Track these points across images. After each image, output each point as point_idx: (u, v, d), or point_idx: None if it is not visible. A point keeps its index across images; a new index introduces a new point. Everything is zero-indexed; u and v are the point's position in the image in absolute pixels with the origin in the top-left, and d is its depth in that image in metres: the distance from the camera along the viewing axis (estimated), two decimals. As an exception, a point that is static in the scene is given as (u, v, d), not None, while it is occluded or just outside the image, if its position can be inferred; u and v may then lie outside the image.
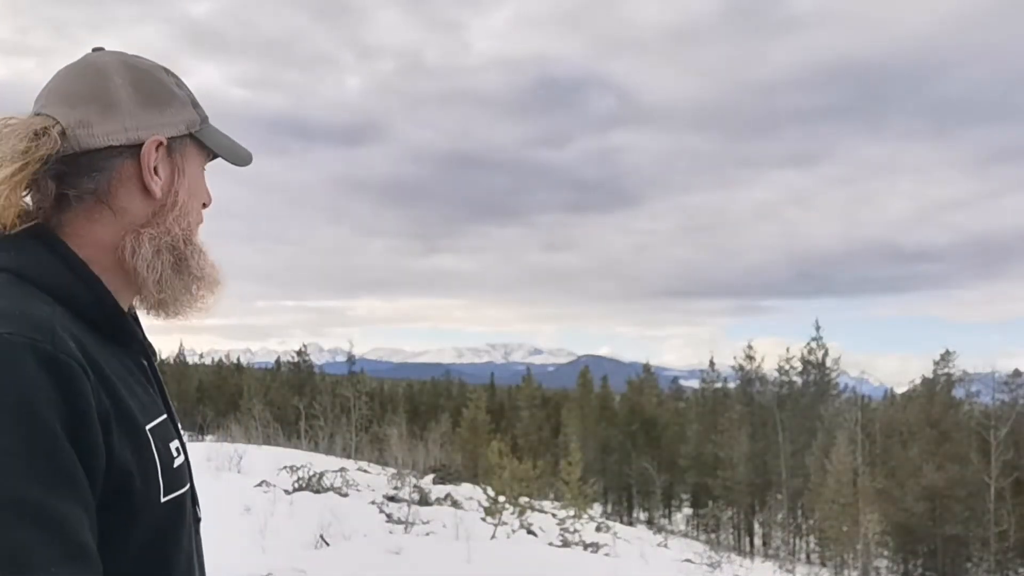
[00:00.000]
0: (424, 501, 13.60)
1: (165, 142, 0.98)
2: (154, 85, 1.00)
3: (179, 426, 1.05)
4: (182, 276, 1.01)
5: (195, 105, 1.04)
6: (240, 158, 1.11)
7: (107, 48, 1.03)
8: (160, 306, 1.03)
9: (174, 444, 0.98)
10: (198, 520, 1.08)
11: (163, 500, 0.93)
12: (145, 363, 1.02)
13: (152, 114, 0.98)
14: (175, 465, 0.96)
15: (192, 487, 1.04)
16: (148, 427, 0.92)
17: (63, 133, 0.93)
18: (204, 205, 1.08)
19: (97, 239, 0.96)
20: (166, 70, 1.04)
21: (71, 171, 0.94)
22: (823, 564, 35.34)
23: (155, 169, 0.98)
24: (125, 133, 0.95)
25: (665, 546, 18.59)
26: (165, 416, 0.99)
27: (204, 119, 1.05)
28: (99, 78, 0.97)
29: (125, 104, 0.96)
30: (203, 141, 1.04)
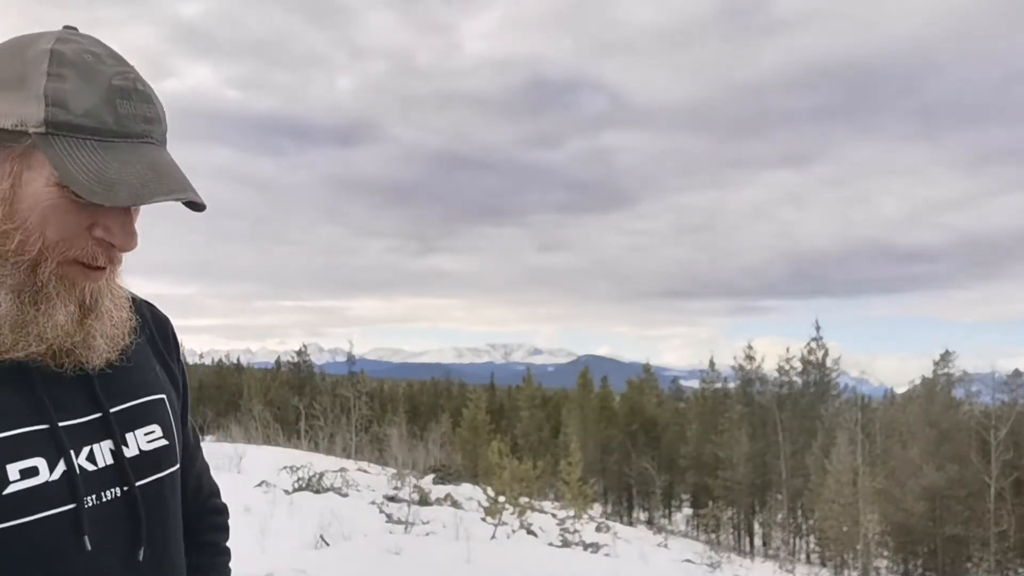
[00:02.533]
0: (424, 501, 13.60)
1: None
2: (9, 68, 0.83)
3: (57, 437, 0.86)
4: (17, 319, 0.85)
5: (52, 99, 0.81)
6: (98, 192, 0.80)
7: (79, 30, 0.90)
8: None
9: (20, 464, 0.83)
10: (86, 551, 0.87)
11: None
12: (22, 369, 0.87)
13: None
14: (7, 491, 0.81)
15: (79, 512, 0.86)
16: None
17: None
18: (107, 243, 0.86)
19: None
20: (72, 61, 0.83)
21: None
22: (823, 564, 35.31)
23: None
24: None
25: (665, 546, 18.57)
26: (25, 430, 0.84)
27: (62, 125, 0.81)
28: None
29: None
30: (50, 159, 0.81)
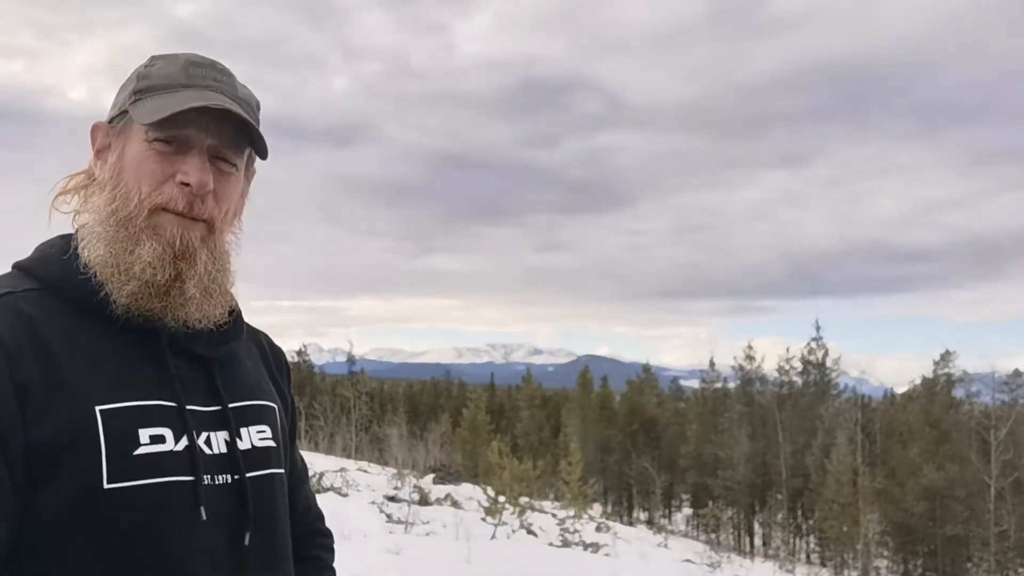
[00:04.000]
0: (424, 501, 13.61)
1: (104, 125, 1.05)
2: (131, 75, 1.05)
3: (183, 416, 0.97)
4: (111, 261, 0.97)
5: (140, 77, 1.02)
6: (147, 113, 0.98)
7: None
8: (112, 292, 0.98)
9: (151, 431, 0.93)
10: (203, 520, 0.95)
11: (107, 487, 0.89)
12: (160, 349, 0.99)
13: (113, 102, 1.06)
14: (137, 452, 0.91)
15: (197, 484, 0.95)
16: (102, 407, 0.90)
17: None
18: (184, 184, 0.98)
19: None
20: (163, 56, 1.06)
21: None
22: (823, 564, 35.32)
23: (99, 151, 1.05)
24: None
25: (665, 546, 18.57)
26: (156, 403, 0.95)
27: (143, 90, 1.01)
28: None
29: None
30: (131, 114, 1.00)
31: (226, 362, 1.06)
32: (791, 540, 40.49)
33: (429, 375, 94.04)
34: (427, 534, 10.54)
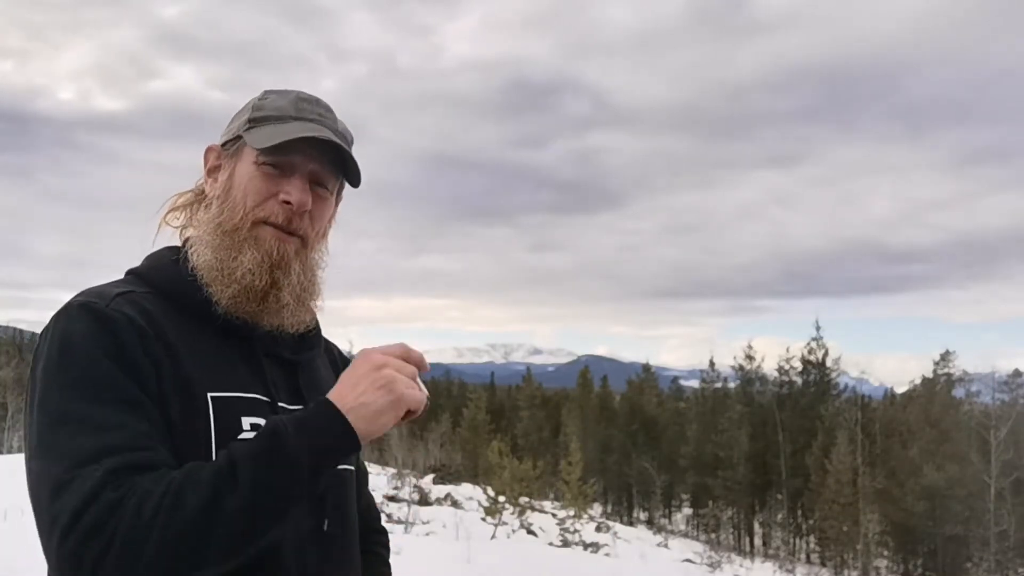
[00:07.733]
0: (424, 501, 13.62)
1: (217, 148, 1.18)
2: (245, 106, 1.19)
3: (276, 410, 1.09)
4: (216, 265, 1.10)
5: (255, 108, 1.16)
6: (262, 139, 1.11)
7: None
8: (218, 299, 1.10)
9: (251, 419, 1.05)
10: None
11: None
12: (253, 350, 1.11)
13: (227, 128, 1.19)
14: (240, 437, 1.02)
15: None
16: (212, 394, 1.03)
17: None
18: (286, 202, 1.11)
19: None
20: (275, 91, 1.18)
21: None
22: (823, 564, 35.32)
23: (211, 170, 1.18)
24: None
25: (665, 546, 18.57)
26: (254, 396, 1.07)
27: (257, 119, 1.14)
28: None
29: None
30: (246, 140, 1.13)
31: (306, 367, 1.20)
32: (791, 540, 40.49)
33: (429, 375, 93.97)
34: (427, 534, 10.54)
